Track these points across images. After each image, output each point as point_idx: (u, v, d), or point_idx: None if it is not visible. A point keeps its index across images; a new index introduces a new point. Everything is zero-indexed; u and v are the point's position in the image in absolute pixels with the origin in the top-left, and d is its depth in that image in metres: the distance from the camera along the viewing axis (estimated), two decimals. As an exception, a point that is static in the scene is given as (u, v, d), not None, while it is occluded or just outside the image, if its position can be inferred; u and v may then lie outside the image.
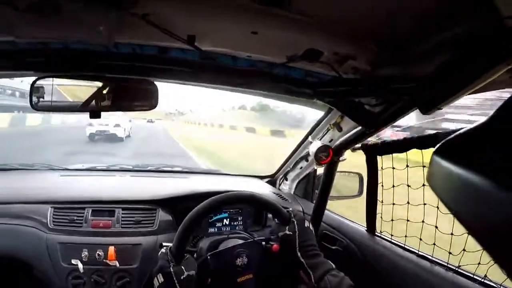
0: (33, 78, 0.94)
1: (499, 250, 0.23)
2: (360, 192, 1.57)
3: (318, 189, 1.50)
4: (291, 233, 0.99)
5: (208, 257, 0.98)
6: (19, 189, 1.49)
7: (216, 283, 0.97)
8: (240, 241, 1.06)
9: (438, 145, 0.30)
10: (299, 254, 0.95)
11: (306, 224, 1.02)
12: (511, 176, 0.21)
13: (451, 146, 0.29)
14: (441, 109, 0.76)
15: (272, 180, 1.82)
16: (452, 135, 0.29)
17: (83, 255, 1.26)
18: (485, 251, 0.24)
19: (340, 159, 1.26)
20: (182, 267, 0.87)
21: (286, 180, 1.67)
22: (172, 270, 0.85)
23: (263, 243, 1.05)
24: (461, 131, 0.29)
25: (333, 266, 0.95)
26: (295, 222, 1.00)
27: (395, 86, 0.82)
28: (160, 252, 0.91)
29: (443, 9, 0.56)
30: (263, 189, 1.66)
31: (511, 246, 0.21)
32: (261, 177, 1.87)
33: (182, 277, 0.85)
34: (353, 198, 1.59)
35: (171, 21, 0.70)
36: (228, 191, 1.01)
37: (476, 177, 0.23)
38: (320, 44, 0.75)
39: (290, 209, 1.07)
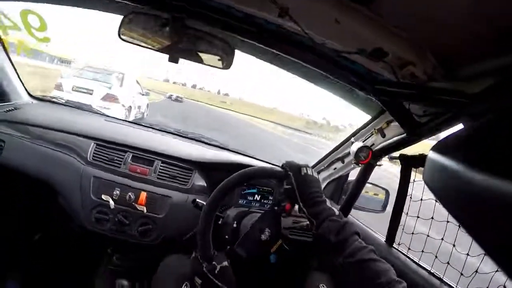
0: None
1: (472, 220, 0.27)
2: (383, 208, 1.57)
3: (345, 195, 1.53)
4: (289, 186, 0.97)
5: (235, 249, 1.00)
6: (64, 120, 1.54)
7: (252, 263, 1.00)
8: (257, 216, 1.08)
9: (433, 145, 0.35)
10: (301, 205, 0.94)
11: (303, 172, 0.98)
12: (483, 163, 0.26)
13: (442, 144, 0.35)
14: (483, 126, 0.83)
15: None
16: (445, 137, 0.36)
17: (114, 193, 1.30)
18: (455, 219, 0.29)
19: (377, 163, 1.30)
20: (214, 262, 0.90)
21: (317, 178, 1.72)
22: (205, 269, 0.89)
23: (275, 208, 1.05)
24: (452, 134, 0.37)
25: (336, 212, 0.91)
26: (291, 174, 0.98)
27: (445, 98, 0.88)
28: (191, 258, 0.95)
29: (491, 40, 0.63)
30: None
31: (481, 213, 0.25)
32: None
33: (216, 271, 0.89)
34: (374, 212, 1.59)
35: None
36: None
37: (458, 164, 0.28)
38: (387, 45, 0.82)
39: (284, 162, 1.04)
